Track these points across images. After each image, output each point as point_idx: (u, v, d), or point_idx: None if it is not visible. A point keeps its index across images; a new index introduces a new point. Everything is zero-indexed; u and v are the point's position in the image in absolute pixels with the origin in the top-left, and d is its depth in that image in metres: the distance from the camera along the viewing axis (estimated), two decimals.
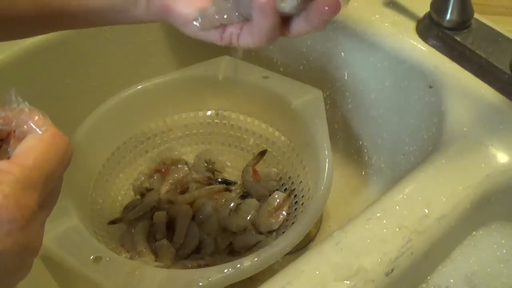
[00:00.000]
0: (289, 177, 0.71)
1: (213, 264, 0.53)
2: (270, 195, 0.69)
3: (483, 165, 0.53)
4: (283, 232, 0.65)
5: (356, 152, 0.76)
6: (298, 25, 0.41)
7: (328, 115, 0.65)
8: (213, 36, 0.44)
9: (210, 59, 0.73)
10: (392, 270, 0.46)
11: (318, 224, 0.72)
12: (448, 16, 0.60)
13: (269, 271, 0.50)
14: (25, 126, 0.30)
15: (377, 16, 0.65)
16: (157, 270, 0.52)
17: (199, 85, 0.73)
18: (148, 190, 0.73)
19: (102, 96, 0.69)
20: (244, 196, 0.72)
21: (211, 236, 0.67)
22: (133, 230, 0.67)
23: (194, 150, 0.77)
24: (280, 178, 0.72)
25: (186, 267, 0.62)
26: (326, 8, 0.38)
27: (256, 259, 0.51)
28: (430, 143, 0.62)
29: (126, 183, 0.73)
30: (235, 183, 0.74)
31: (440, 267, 0.52)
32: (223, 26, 0.43)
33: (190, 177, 0.73)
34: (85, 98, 0.78)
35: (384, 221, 0.49)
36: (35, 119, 0.31)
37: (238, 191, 0.73)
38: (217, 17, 0.42)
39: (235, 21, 0.42)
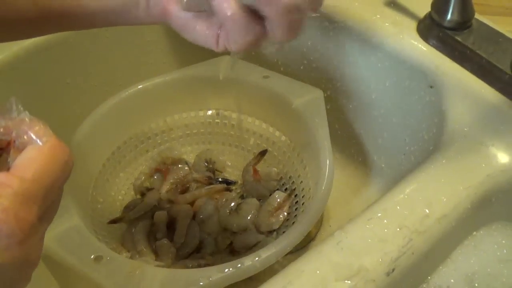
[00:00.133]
0: (290, 177, 0.71)
1: (214, 264, 0.53)
2: (270, 195, 0.69)
3: (483, 165, 0.53)
4: (283, 232, 0.65)
5: (357, 152, 0.76)
6: (271, 26, 0.40)
7: (328, 115, 0.65)
8: (210, 42, 0.44)
9: (211, 59, 0.73)
10: (393, 270, 0.46)
11: (319, 224, 0.72)
12: (449, 16, 0.60)
13: (270, 271, 0.50)
14: (25, 137, 0.30)
15: (377, 16, 0.65)
16: (157, 270, 0.52)
17: (199, 84, 0.73)
18: (149, 189, 0.73)
19: (103, 96, 0.69)
20: (245, 196, 0.72)
21: (211, 235, 0.67)
22: (133, 230, 0.67)
23: (195, 150, 0.77)
24: (281, 178, 0.72)
25: (186, 267, 0.62)
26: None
27: (256, 258, 0.51)
28: (431, 143, 0.62)
29: (126, 182, 0.73)
30: (235, 182, 0.74)
31: (440, 267, 0.52)
32: (207, 14, 0.43)
33: (191, 176, 0.73)
34: (86, 98, 0.78)
35: (385, 221, 0.49)
36: (36, 129, 0.30)
37: (238, 190, 0.73)
38: None
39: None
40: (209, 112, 0.76)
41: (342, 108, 0.74)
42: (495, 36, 0.60)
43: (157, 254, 0.65)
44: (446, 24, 0.60)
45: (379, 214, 0.49)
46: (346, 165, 0.78)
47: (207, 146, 0.77)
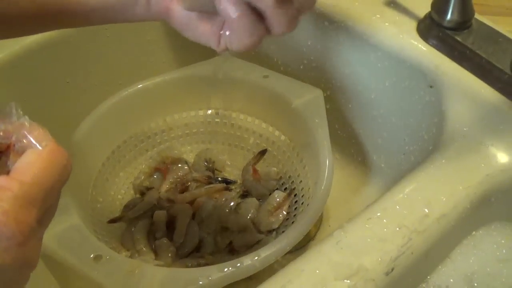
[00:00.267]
0: (289, 177, 0.71)
1: (213, 263, 0.53)
2: (270, 194, 0.70)
3: (483, 165, 0.53)
4: (283, 231, 0.65)
5: (356, 151, 0.76)
6: (272, 20, 0.41)
7: (328, 114, 0.65)
8: (211, 41, 0.45)
9: (211, 58, 0.73)
10: (392, 269, 0.46)
11: (318, 223, 0.72)
12: (448, 16, 0.60)
13: (269, 270, 0.50)
14: (24, 141, 0.30)
15: (377, 16, 0.65)
16: (157, 269, 0.52)
17: (199, 84, 0.73)
18: (148, 189, 0.73)
19: (103, 95, 0.69)
20: (244, 195, 0.72)
21: (211, 235, 0.67)
22: (133, 229, 0.67)
23: (194, 149, 0.77)
24: (280, 178, 0.72)
25: (186, 266, 0.62)
26: None
27: (256, 258, 0.51)
28: (430, 142, 0.62)
29: (126, 182, 0.73)
30: (235, 182, 0.74)
31: (440, 267, 0.52)
32: (209, 13, 0.43)
33: (190, 176, 0.73)
34: (86, 97, 0.78)
35: (384, 220, 0.49)
36: (35, 133, 0.30)
37: (238, 190, 0.73)
38: None
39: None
40: (209, 112, 0.76)
41: (341, 107, 0.74)
42: (495, 36, 0.60)
43: (156, 253, 0.65)
44: (446, 24, 0.60)
45: (379, 214, 0.49)
46: (346, 165, 0.78)
47: (206, 146, 0.77)
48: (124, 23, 0.50)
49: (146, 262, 0.60)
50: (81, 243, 0.54)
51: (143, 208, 0.69)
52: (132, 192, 0.73)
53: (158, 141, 0.76)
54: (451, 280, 0.52)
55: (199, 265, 0.62)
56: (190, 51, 0.82)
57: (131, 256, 0.64)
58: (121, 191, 0.72)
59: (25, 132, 0.30)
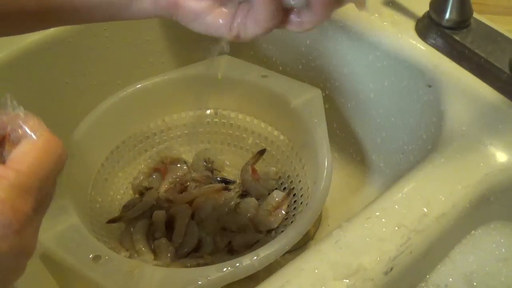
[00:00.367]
0: (288, 176, 0.71)
1: (212, 263, 0.53)
2: (269, 194, 0.70)
3: (482, 164, 0.53)
4: (282, 231, 0.65)
5: (355, 151, 0.76)
6: (300, 17, 0.41)
7: (327, 114, 0.65)
8: (222, 30, 0.44)
9: (209, 58, 0.73)
10: (391, 269, 0.46)
11: (317, 223, 0.72)
12: (447, 16, 0.60)
13: (268, 270, 0.50)
14: (20, 131, 0.31)
15: (376, 15, 0.65)
16: (156, 269, 0.52)
17: (198, 84, 0.73)
18: (147, 189, 0.72)
19: (101, 95, 0.69)
20: (243, 195, 0.72)
21: (210, 235, 0.67)
22: (132, 229, 0.67)
23: (193, 149, 0.77)
24: (279, 177, 0.72)
25: (185, 266, 0.62)
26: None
27: (255, 258, 0.51)
28: (429, 142, 0.62)
29: (125, 182, 0.73)
30: (234, 182, 0.74)
31: (439, 266, 0.52)
32: (219, 3, 0.43)
33: (189, 176, 0.73)
34: (84, 97, 0.78)
35: (383, 220, 0.49)
36: (30, 124, 0.31)
37: (237, 190, 0.73)
38: None
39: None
40: (208, 112, 0.76)
41: (340, 107, 0.74)
42: (494, 35, 0.60)
43: (155, 253, 0.65)
44: (444, 23, 0.60)
45: (378, 213, 0.49)
46: (345, 164, 0.78)
47: (205, 146, 0.77)
48: (123, 23, 0.50)
49: (145, 262, 0.60)
50: (80, 243, 0.54)
51: (142, 208, 0.69)
52: (131, 192, 0.73)
53: (157, 141, 0.76)
54: (450, 279, 0.52)
55: (198, 265, 0.62)
56: (188, 51, 0.82)
57: (130, 256, 0.64)
58: (120, 191, 0.72)
59: (20, 122, 0.31)
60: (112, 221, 0.67)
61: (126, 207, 0.70)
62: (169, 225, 0.68)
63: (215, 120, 0.76)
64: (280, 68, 0.78)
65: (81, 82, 0.78)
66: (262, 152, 0.73)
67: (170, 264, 0.63)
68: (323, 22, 0.42)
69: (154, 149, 0.76)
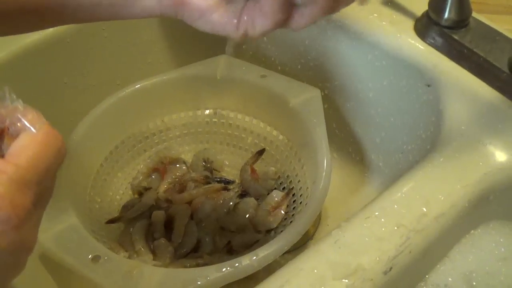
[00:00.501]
0: (287, 176, 0.71)
1: (212, 263, 0.53)
2: (268, 194, 0.69)
3: (481, 163, 0.53)
4: (281, 231, 0.64)
5: (354, 151, 0.76)
6: (304, 12, 0.41)
7: (326, 114, 0.65)
8: (229, 28, 0.43)
9: (208, 58, 0.73)
10: (391, 268, 0.46)
11: (317, 222, 0.72)
12: (446, 15, 0.60)
13: (268, 270, 0.50)
14: (19, 124, 0.30)
15: (375, 15, 0.65)
16: (155, 269, 0.52)
17: (197, 84, 0.73)
18: (146, 189, 0.72)
19: (100, 95, 0.69)
20: (243, 195, 0.72)
21: (209, 235, 0.67)
22: (131, 229, 0.67)
23: (192, 149, 0.77)
24: (278, 177, 0.72)
25: (184, 266, 0.62)
26: None
27: (254, 258, 0.51)
28: (428, 141, 0.62)
29: (124, 182, 0.73)
30: (233, 182, 0.74)
31: (438, 266, 0.52)
32: (226, 1, 0.43)
33: (188, 176, 0.73)
34: (83, 97, 0.78)
35: (383, 219, 0.49)
36: (29, 117, 0.30)
37: (236, 190, 0.73)
38: None
39: None
40: (207, 112, 0.76)
41: (339, 107, 0.74)
42: (493, 35, 0.60)
43: (155, 253, 0.65)
44: (443, 22, 0.60)
45: (377, 213, 0.49)
46: (344, 164, 0.78)
47: (204, 146, 0.77)
48: (122, 23, 0.49)
49: (145, 263, 0.60)
50: (79, 244, 0.53)
51: (141, 209, 0.69)
52: (130, 192, 0.73)
53: (156, 141, 0.76)
54: (450, 279, 0.52)
55: (197, 265, 0.62)
56: (188, 51, 0.82)
57: (129, 257, 0.64)
58: (119, 191, 0.72)
59: (19, 116, 0.30)
60: (111, 221, 0.67)
61: (125, 208, 0.70)
62: (168, 225, 0.68)
63: (214, 120, 0.76)
64: (279, 68, 0.78)
65: (80, 82, 0.78)
66: (261, 152, 0.73)
67: (169, 264, 0.63)
68: (327, 16, 0.41)
69: (153, 149, 0.76)
